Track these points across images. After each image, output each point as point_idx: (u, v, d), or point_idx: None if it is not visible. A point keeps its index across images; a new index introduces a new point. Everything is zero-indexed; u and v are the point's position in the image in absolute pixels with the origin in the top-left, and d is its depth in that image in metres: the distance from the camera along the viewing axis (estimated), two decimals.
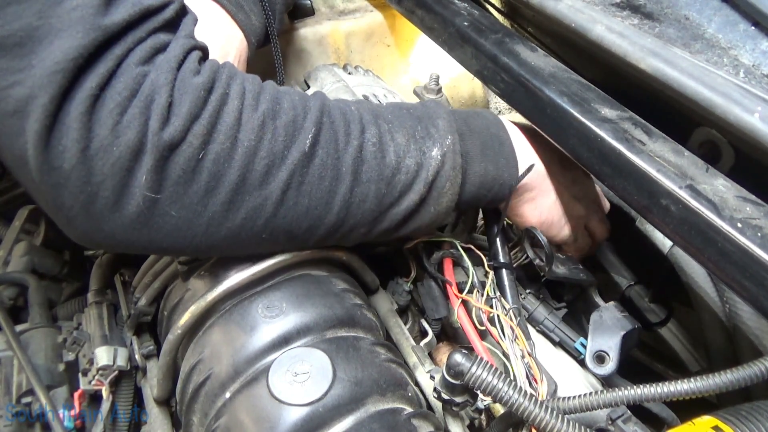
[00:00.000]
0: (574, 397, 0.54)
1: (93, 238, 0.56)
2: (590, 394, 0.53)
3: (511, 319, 0.69)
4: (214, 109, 0.55)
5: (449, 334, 0.84)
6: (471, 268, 0.74)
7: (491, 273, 0.75)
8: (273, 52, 0.94)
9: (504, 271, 0.75)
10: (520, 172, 0.72)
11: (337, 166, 0.60)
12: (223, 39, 0.81)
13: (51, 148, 0.49)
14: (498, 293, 0.73)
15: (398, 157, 0.63)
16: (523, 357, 0.66)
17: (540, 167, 0.75)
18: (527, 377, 0.64)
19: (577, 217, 0.81)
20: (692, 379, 0.50)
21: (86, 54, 0.49)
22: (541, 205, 0.77)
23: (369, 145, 0.62)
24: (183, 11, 0.61)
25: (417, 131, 0.66)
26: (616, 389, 0.53)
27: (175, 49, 0.55)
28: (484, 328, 0.70)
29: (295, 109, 0.60)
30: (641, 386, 0.52)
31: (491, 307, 0.71)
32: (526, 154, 0.73)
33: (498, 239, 0.77)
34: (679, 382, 0.51)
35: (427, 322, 0.81)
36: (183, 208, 0.55)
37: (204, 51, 0.60)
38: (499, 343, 0.68)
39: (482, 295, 0.72)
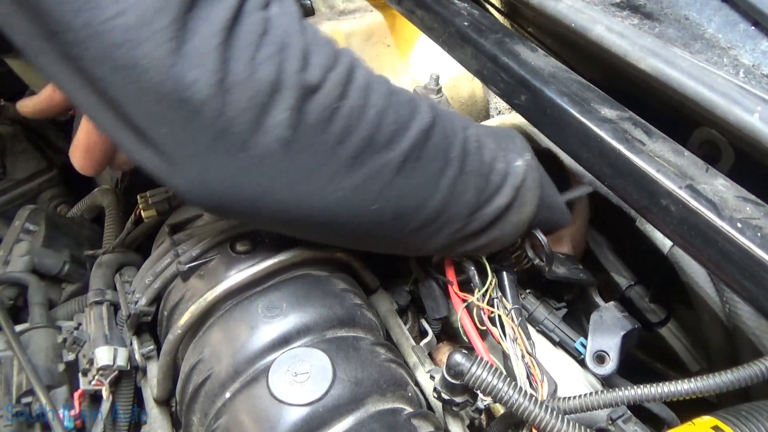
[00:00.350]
0: (574, 397, 0.54)
1: (207, 182, 0.53)
2: (590, 394, 0.53)
3: (512, 320, 0.69)
4: (346, 68, 0.56)
5: (449, 334, 0.84)
6: (473, 269, 0.74)
7: (493, 274, 0.75)
8: None
9: (504, 271, 0.75)
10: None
11: (448, 151, 0.61)
12: None
13: (179, 79, 0.48)
14: (499, 293, 0.73)
15: (491, 158, 0.66)
16: (523, 357, 0.66)
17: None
18: (527, 377, 0.64)
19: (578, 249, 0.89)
20: (692, 379, 0.50)
21: None
22: (566, 240, 0.85)
23: (471, 140, 0.64)
24: None
25: (500, 141, 0.69)
26: (616, 389, 0.53)
27: (289, 4, 0.55)
28: (484, 328, 0.70)
29: (408, 93, 0.62)
30: (641, 386, 0.52)
31: (492, 306, 0.71)
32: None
33: None
34: (679, 382, 0.51)
35: (427, 322, 0.81)
36: (311, 156, 0.54)
37: None
38: (499, 343, 0.68)
39: (483, 296, 0.72)
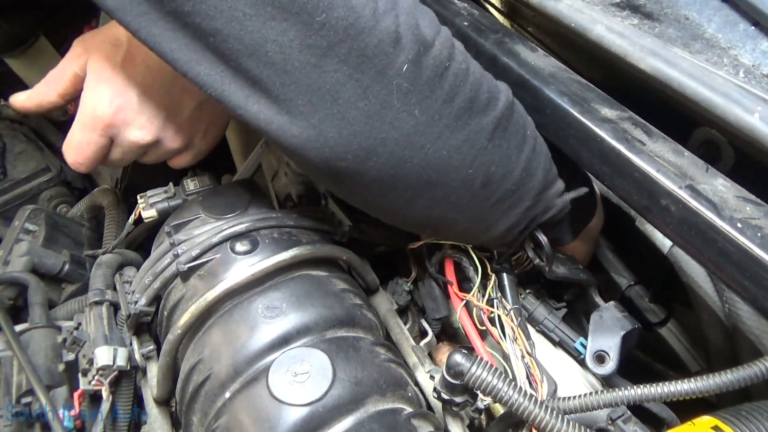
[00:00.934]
0: (574, 397, 0.54)
1: (324, 132, 0.53)
2: (590, 394, 0.53)
3: (511, 320, 0.69)
4: (448, 33, 0.59)
5: (449, 334, 0.84)
6: (472, 269, 0.74)
7: (493, 274, 0.75)
8: None
9: (504, 272, 0.75)
10: None
11: (525, 128, 0.65)
12: None
13: (309, 22, 0.49)
14: (498, 293, 0.74)
15: (548, 149, 0.69)
16: (522, 357, 0.66)
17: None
18: (527, 377, 0.64)
19: None
20: (692, 379, 0.50)
21: None
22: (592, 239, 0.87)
23: (534, 126, 0.67)
24: None
25: None
26: (616, 389, 0.53)
27: None
28: (484, 328, 0.70)
29: None
30: (641, 386, 0.52)
31: (492, 306, 0.71)
32: None
33: None
34: (679, 382, 0.51)
35: (427, 322, 0.81)
36: (424, 112, 0.56)
37: None
38: (499, 343, 0.68)
39: (483, 296, 0.72)
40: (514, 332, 0.68)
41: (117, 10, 0.52)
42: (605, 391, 0.53)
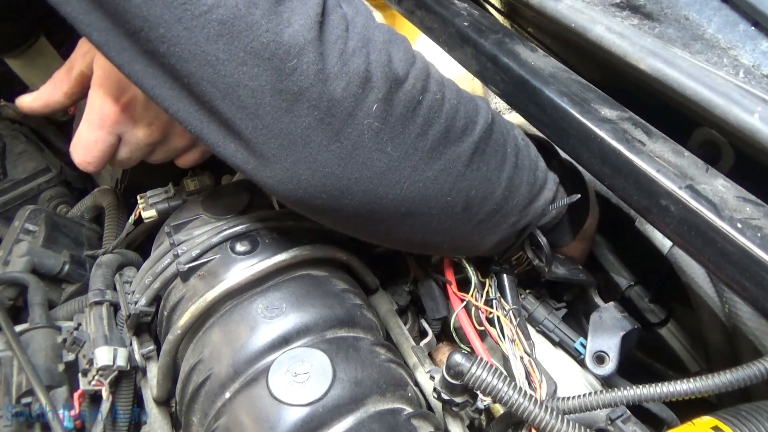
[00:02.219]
0: (574, 397, 0.54)
1: (297, 175, 0.54)
2: (590, 394, 0.53)
3: (510, 321, 0.69)
4: (424, 63, 0.58)
5: (449, 335, 0.84)
6: (471, 269, 0.74)
7: (492, 274, 0.75)
8: None
9: (504, 272, 0.75)
10: None
11: (505, 146, 0.65)
12: None
13: (278, 70, 0.49)
14: (498, 294, 0.74)
15: (535, 155, 0.70)
16: (522, 358, 0.66)
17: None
18: (526, 377, 0.64)
19: None
20: (692, 379, 0.50)
21: None
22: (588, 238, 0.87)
23: (519, 139, 0.68)
24: None
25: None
26: (616, 389, 0.53)
27: (358, 3, 0.57)
28: (483, 328, 0.70)
29: (467, 91, 0.64)
30: (641, 386, 0.52)
31: (491, 307, 0.71)
32: None
33: None
34: (679, 382, 0.51)
35: (427, 322, 0.81)
36: (397, 147, 0.56)
37: None
38: (498, 343, 0.68)
39: (482, 296, 0.72)
40: (512, 333, 0.68)
41: (102, 44, 0.52)
42: (605, 391, 0.53)
